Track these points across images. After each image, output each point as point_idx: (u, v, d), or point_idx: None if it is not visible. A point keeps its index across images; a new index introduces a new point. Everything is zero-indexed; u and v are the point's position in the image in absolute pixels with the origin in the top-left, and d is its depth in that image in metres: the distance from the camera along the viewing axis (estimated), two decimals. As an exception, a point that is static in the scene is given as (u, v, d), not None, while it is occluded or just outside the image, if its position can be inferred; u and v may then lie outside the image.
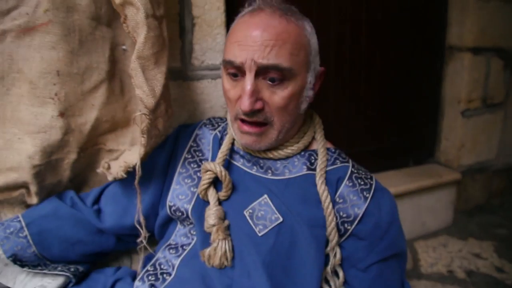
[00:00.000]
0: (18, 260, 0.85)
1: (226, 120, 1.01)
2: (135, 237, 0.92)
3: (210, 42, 1.16)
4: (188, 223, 0.90)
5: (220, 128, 0.97)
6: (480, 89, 1.95)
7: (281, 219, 0.82)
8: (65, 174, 0.91)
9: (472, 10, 1.82)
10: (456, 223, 2.01)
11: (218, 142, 0.94)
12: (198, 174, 0.91)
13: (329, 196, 0.82)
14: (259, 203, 0.84)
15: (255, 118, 0.80)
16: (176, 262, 0.86)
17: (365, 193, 0.85)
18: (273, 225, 0.82)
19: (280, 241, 0.81)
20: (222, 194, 0.85)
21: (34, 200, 0.87)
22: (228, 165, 0.91)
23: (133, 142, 0.98)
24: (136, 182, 0.84)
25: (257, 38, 0.75)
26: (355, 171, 0.88)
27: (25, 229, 0.85)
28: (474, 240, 1.90)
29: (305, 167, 0.88)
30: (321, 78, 0.89)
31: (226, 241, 0.79)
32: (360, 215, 0.83)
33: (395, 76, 1.84)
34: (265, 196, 0.84)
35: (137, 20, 0.81)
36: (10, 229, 0.85)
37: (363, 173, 0.89)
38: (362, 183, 0.86)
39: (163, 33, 0.88)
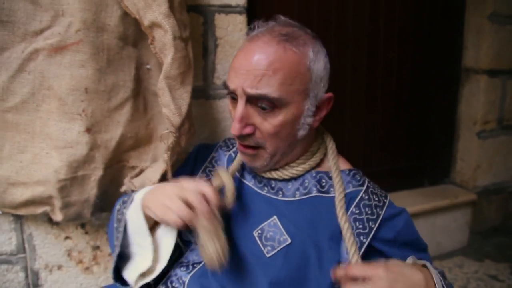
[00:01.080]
0: None
1: None
2: None
3: (232, 62, 1.15)
4: (197, 246, 0.87)
5: (234, 149, 0.95)
6: (496, 110, 1.90)
7: (289, 241, 0.79)
8: (92, 192, 0.90)
9: (488, 33, 1.79)
10: (471, 244, 1.92)
11: (232, 162, 0.91)
12: None
13: (350, 228, 0.78)
14: (268, 224, 0.81)
15: (246, 142, 0.78)
16: (186, 279, 0.83)
17: (371, 223, 0.81)
18: (281, 247, 0.79)
19: (288, 262, 0.78)
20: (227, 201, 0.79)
21: (58, 216, 0.86)
22: (240, 184, 0.88)
23: (154, 159, 0.97)
24: None
25: (249, 67, 0.73)
26: (366, 197, 0.83)
27: None
28: (490, 261, 1.81)
29: (315, 189, 0.84)
30: (328, 104, 0.83)
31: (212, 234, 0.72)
32: (365, 245, 0.79)
33: (411, 97, 1.81)
34: (275, 217, 0.82)
35: (164, 42, 0.81)
36: None
37: (375, 199, 0.85)
38: (370, 212, 0.82)
39: (188, 54, 0.88)
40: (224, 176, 0.78)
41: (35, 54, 0.86)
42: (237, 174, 0.89)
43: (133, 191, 0.88)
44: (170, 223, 0.70)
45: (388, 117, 1.78)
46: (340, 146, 0.93)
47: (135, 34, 0.92)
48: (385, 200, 0.84)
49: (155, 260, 0.79)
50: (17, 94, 0.87)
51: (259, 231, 0.81)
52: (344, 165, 0.90)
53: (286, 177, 0.84)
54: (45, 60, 0.85)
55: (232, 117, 0.80)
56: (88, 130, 0.86)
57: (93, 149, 0.87)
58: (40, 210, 0.87)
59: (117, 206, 0.84)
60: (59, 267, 1.11)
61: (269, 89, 0.72)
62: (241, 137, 0.77)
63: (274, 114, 0.75)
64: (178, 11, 0.88)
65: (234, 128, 0.75)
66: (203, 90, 1.15)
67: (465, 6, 1.83)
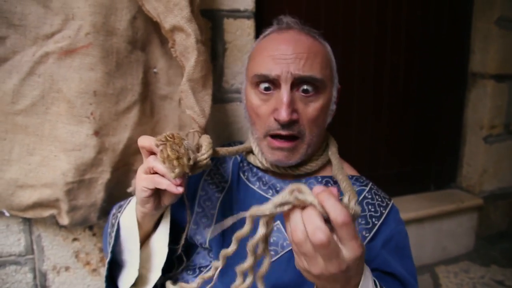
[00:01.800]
0: None
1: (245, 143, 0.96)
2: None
3: (240, 67, 1.14)
4: (204, 247, 0.85)
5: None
6: (502, 115, 1.86)
7: None
8: (99, 196, 0.89)
9: (495, 38, 1.76)
10: (477, 249, 1.88)
11: (238, 165, 0.89)
12: (217, 195, 0.86)
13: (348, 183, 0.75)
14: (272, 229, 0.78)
15: (290, 131, 0.74)
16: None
17: (374, 219, 0.78)
18: (284, 251, 0.77)
19: (291, 267, 0.74)
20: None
21: (65, 220, 0.84)
22: (245, 187, 0.86)
23: None
24: (185, 199, 0.77)
25: (292, 51, 0.74)
26: (369, 196, 0.81)
27: None
28: (496, 267, 1.77)
29: None
30: (338, 96, 0.85)
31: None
32: (367, 240, 0.76)
33: (418, 101, 1.77)
34: (278, 222, 0.79)
35: (186, 45, 0.81)
36: None
37: (378, 200, 0.82)
38: (373, 210, 0.79)
39: (208, 58, 0.87)
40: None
41: (46, 58, 0.85)
42: (242, 177, 0.86)
43: None
44: (144, 195, 0.66)
45: (395, 121, 1.75)
46: (347, 150, 0.91)
47: (143, 38, 0.91)
48: (389, 202, 0.81)
49: (149, 269, 0.75)
50: (27, 97, 0.86)
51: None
52: (348, 170, 0.88)
53: (301, 172, 0.82)
54: (55, 63, 0.84)
55: (255, 114, 0.77)
56: (96, 133, 0.85)
57: (101, 152, 0.86)
58: (47, 213, 0.85)
59: (113, 211, 0.81)
60: (67, 269, 1.09)
61: (314, 71, 0.73)
62: (287, 124, 0.73)
63: (316, 98, 0.75)
64: (197, 15, 0.88)
65: (282, 115, 0.71)
66: (212, 94, 1.13)
67: (472, 10, 1.80)
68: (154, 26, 0.87)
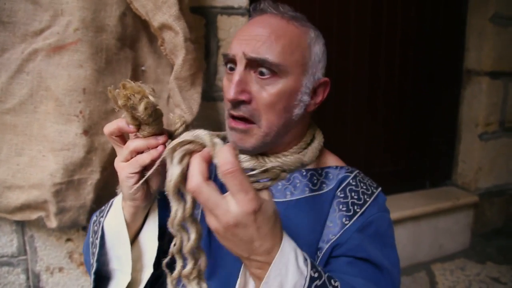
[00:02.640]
0: None
1: (223, 134, 0.93)
2: None
3: (234, 63, 1.11)
4: None
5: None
6: (497, 112, 1.84)
7: None
8: (88, 197, 0.85)
9: (490, 35, 1.74)
10: (473, 246, 1.86)
11: None
12: None
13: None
14: None
15: (241, 113, 0.71)
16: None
17: (356, 207, 0.74)
18: None
19: None
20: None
21: (53, 223, 0.81)
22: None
23: None
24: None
25: (251, 33, 0.71)
26: (353, 182, 0.77)
27: None
28: (492, 264, 1.75)
29: (307, 189, 0.77)
30: (325, 90, 0.80)
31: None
32: (345, 228, 0.72)
33: (413, 99, 1.75)
34: None
35: (175, 43, 0.79)
36: None
37: (363, 187, 0.78)
38: (356, 197, 0.75)
39: (198, 56, 0.85)
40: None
41: (34, 55, 0.82)
42: None
43: None
44: (131, 182, 0.61)
45: (390, 119, 1.72)
46: (342, 148, 0.88)
47: (132, 36, 0.89)
48: (375, 191, 0.77)
49: (140, 269, 0.71)
50: (16, 95, 0.83)
51: None
52: (336, 162, 0.84)
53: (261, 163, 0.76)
54: (43, 61, 0.81)
55: (224, 95, 0.74)
56: (86, 132, 0.82)
57: (90, 152, 0.83)
58: (35, 215, 0.82)
59: (94, 218, 0.75)
60: (60, 269, 1.07)
61: (270, 54, 0.69)
62: (236, 104, 0.70)
63: (273, 82, 0.70)
64: (186, 13, 0.85)
65: (229, 93, 0.68)
66: (205, 92, 1.10)
67: (467, 8, 1.78)
68: (142, 23, 0.85)
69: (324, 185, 0.78)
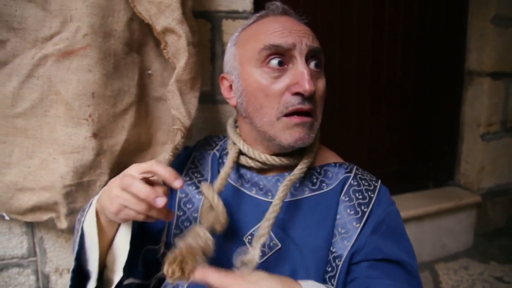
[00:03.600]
0: None
1: (223, 138, 0.90)
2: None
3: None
4: None
5: (218, 147, 0.87)
6: (499, 113, 1.83)
7: (279, 246, 0.72)
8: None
9: (491, 36, 1.73)
10: (476, 246, 1.85)
11: (217, 161, 0.83)
12: (197, 196, 0.80)
13: (279, 204, 0.69)
14: (257, 229, 0.73)
15: (311, 105, 0.69)
16: (184, 286, 0.77)
17: (363, 207, 0.73)
18: (272, 252, 0.73)
19: (280, 266, 0.72)
20: (216, 226, 0.70)
21: (63, 224, 0.82)
22: (227, 185, 0.78)
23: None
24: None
25: (299, 27, 0.72)
26: (355, 182, 0.76)
27: None
28: (495, 263, 1.74)
29: (307, 189, 0.76)
30: None
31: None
32: (358, 231, 0.71)
33: (415, 100, 1.75)
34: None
35: (178, 47, 0.79)
36: None
37: (365, 184, 0.77)
38: (361, 196, 0.75)
39: (199, 60, 0.85)
40: (210, 195, 0.67)
41: (44, 60, 0.83)
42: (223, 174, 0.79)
43: None
44: (129, 219, 0.61)
45: (393, 120, 1.72)
46: (346, 149, 0.88)
47: (139, 40, 0.89)
48: (376, 184, 0.77)
49: (114, 271, 0.69)
50: (27, 99, 0.84)
51: (249, 237, 0.74)
52: (333, 158, 0.83)
53: (291, 163, 0.76)
54: (53, 66, 0.82)
55: (265, 95, 0.69)
56: (95, 135, 0.83)
57: (99, 155, 0.83)
58: (46, 216, 0.83)
59: (78, 215, 0.73)
60: (69, 271, 1.07)
61: (319, 46, 0.72)
62: (309, 98, 0.69)
63: (322, 74, 0.74)
64: (189, 17, 0.85)
65: (306, 86, 0.66)
66: (211, 95, 1.11)
67: (468, 9, 1.77)
68: (149, 28, 0.86)
69: (323, 184, 0.77)
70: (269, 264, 0.72)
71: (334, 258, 0.71)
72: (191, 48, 0.80)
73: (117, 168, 0.88)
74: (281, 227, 0.74)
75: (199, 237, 0.61)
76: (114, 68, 0.84)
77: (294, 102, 0.68)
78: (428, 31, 1.71)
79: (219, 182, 0.72)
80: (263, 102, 0.70)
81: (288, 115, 0.69)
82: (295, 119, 0.69)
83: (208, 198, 0.69)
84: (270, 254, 0.73)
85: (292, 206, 0.75)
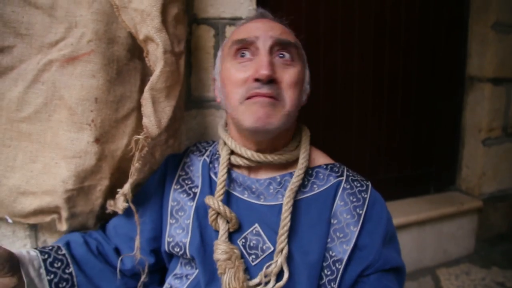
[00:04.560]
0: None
1: (212, 143, 0.91)
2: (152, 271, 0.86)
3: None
4: (187, 259, 0.80)
5: (208, 153, 0.87)
6: (500, 118, 1.82)
7: (272, 249, 0.73)
8: (97, 202, 0.86)
9: (492, 42, 1.72)
10: (478, 251, 1.83)
11: (208, 167, 0.84)
12: (189, 203, 0.81)
13: (289, 217, 0.72)
14: (251, 232, 0.75)
15: (270, 90, 0.71)
16: None
17: (358, 210, 0.75)
18: (264, 255, 0.73)
19: None
20: (231, 226, 0.76)
21: (64, 226, 0.81)
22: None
23: (151, 170, 0.92)
24: (131, 205, 0.78)
25: (265, 24, 0.76)
26: (347, 186, 0.77)
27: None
28: (497, 268, 1.72)
29: (298, 191, 0.77)
30: (307, 98, 0.84)
31: (234, 270, 0.70)
32: (356, 234, 0.73)
33: (417, 105, 1.74)
34: (256, 225, 0.75)
35: (156, 55, 0.79)
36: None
37: (358, 185, 0.78)
38: (355, 199, 0.76)
39: (179, 68, 0.84)
40: (216, 205, 0.73)
41: (49, 65, 0.83)
42: (214, 179, 0.81)
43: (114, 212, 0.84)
44: None
45: (394, 125, 1.71)
46: (347, 154, 0.87)
47: (140, 47, 0.89)
48: (367, 183, 0.80)
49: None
50: (31, 104, 0.84)
51: (243, 240, 0.75)
52: (323, 159, 0.83)
53: (282, 161, 0.78)
54: (57, 71, 0.82)
55: (231, 82, 0.74)
56: (97, 140, 0.82)
57: (101, 160, 0.83)
58: (48, 218, 0.83)
59: None
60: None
61: (290, 38, 0.75)
62: (268, 82, 0.70)
63: (293, 64, 0.75)
64: (172, 25, 0.84)
65: (263, 71, 0.69)
66: (214, 100, 1.11)
67: (468, 15, 1.76)
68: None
69: (315, 186, 0.78)
70: (262, 265, 0.72)
71: (334, 262, 0.72)
72: (168, 57, 0.78)
73: (117, 173, 0.88)
74: (273, 229, 0.74)
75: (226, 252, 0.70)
76: (117, 74, 0.84)
77: (254, 86, 0.72)
78: (430, 36, 1.70)
79: (219, 189, 0.76)
80: (231, 90, 0.76)
81: (249, 97, 0.73)
82: (254, 98, 0.72)
83: (214, 208, 0.74)
84: (262, 256, 0.73)
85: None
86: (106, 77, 0.82)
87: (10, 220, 0.83)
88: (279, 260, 0.70)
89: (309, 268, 0.71)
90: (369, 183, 0.80)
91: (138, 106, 0.88)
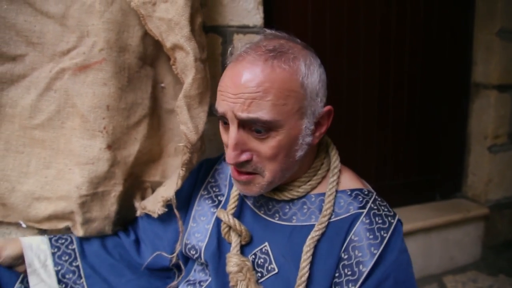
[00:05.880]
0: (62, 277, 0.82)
1: None
2: (172, 276, 0.88)
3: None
4: (201, 262, 0.81)
5: None
6: (506, 125, 1.81)
7: (276, 271, 0.72)
8: (112, 208, 0.87)
9: (497, 49, 1.72)
10: (484, 259, 1.81)
11: None
12: (212, 210, 0.82)
13: (308, 266, 0.68)
14: (260, 250, 0.75)
15: (244, 169, 0.68)
16: None
17: (372, 249, 0.66)
18: (269, 275, 0.72)
19: None
20: (242, 239, 0.76)
21: (80, 232, 0.83)
22: (240, 201, 0.80)
23: (163, 174, 0.94)
24: (176, 212, 0.81)
25: (237, 90, 0.63)
26: (367, 220, 0.69)
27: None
28: (504, 276, 1.70)
29: (313, 217, 0.73)
30: (329, 117, 0.73)
31: (246, 282, 0.70)
32: (364, 275, 0.66)
33: (422, 112, 1.74)
34: (266, 243, 0.74)
35: (186, 63, 0.80)
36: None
37: (379, 222, 0.69)
38: (372, 236, 0.67)
39: (206, 75, 0.86)
40: (226, 218, 0.74)
41: (61, 73, 0.85)
42: (233, 195, 0.80)
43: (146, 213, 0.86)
44: None
45: (400, 132, 1.71)
46: (353, 161, 0.85)
47: (152, 54, 0.91)
48: (392, 221, 0.69)
49: None
50: (44, 111, 0.86)
51: (253, 256, 0.75)
52: (350, 182, 0.76)
53: (286, 198, 0.75)
54: (70, 79, 0.84)
55: (225, 143, 0.71)
56: (109, 147, 0.84)
57: (114, 166, 0.84)
58: (62, 225, 0.84)
59: None
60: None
61: (260, 112, 0.62)
62: (238, 165, 0.67)
63: (271, 136, 0.65)
64: (198, 34, 0.86)
65: (229, 157, 0.65)
66: (207, 111, 1.12)
67: (473, 23, 1.77)
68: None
69: (332, 214, 0.72)
70: (265, 285, 0.72)
71: (332, 278, 0.68)
72: (199, 64, 0.81)
73: (129, 179, 0.89)
74: (282, 253, 0.73)
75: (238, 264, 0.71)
76: (128, 82, 0.86)
77: (231, 161, 0.67)
78: (434, 44, 1.71)
79: (231, 202, 0.77)
80: (224, 145, 0.73)
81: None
82: (233, 173, 0.71)
83: (225, 222, 0.74)
84: (266, 276, 0.73)
85: (296, 232, 0.73)
86: (117, 85, 0.84)
87: (24, 225, 0.84)
88: None
89: None
90: (395, 221, 0.70)
91: (150, 113, 0.90)
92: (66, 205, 0.81)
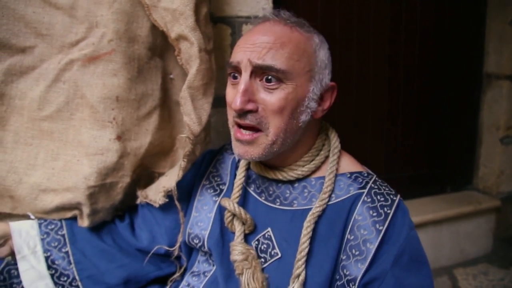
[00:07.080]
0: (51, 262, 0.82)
1: None
2: (166, 261, 0.88)
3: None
4: (204, 252, 0.81)
5: None
6: (519, 116, 1.77)
7: (279, 255, 0.72)
8: (117, 198, 0.86)
9: (510, 39, 1.68)
10: (496, 251, 1.78)
11: (235, 166, 0.84)
12: (214, 198, 0.82)
13: (308, 241, 0.69)
14: (263, 235, 0.75)
15: (247, 121, 0.67)
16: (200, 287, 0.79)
17: (378, 225, 0.67)
18: (272, 260, 0.72)
19: (278, 277, 0.71)
20: (246, 228, 0.76)
21: (85, 222, 0.82)
22: (243, 190, 0.80)
23: (172, 166, 0.93)
24: (176, 203, 0.81)
25: (256, 41, 0.68)
26: (368, 199, 0.70)
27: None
28: (516, 269, 1.67)
29: (314, 200, 0.73)
30: (332, 94, 0.75)
31: (252, 270, 0.69)
32: (372, 252, 0.65)
33: (433, 103, 1.70)
34: (269, 229, 0.74)
35: (190, 54, 0.79)
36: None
37: (381, 199, 0.70)
38: (375, 213, 0.68)
39: (212, 66, 0.84)
40: (231, 206, 0.74)
41: (70, 65, 0.84)
42: (237, 184, 0.80)
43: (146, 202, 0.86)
44: None
45: (410, 124, 1.68)
46: (363, 153, 0.84)
47: (162, 45, 0.89)
48: (394, 198, 0.70)
49: None
50: (53, 103, 0.84)
51: (256, 242, 0.75)
52: (350, 166, 0.77)
53: (291, 178, 0.74)
54: (79, 70, 0.83)
55: (229, 103, 0.71)
56: (119, 137, 0.82)
57: (123, 157, 0.83)
58: (70, 214, 0.84)
59: None
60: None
61: (276, 61, 0.66)
62: (243, 114, 0.67)
63: (280, 88, 0.67)
64: (203, 24, 0.85)
65: (235, 103, 0.65)
66: (212, 102, 1.10)
67: (486, 12, 1.72)
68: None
69: (332, 195, 0.72)
70: (268, 272, 0.72)
71: (348, 281, 0.66)
72: (203, 55, 0.79)
73: (138, 170, 0.88)
74: (284, 237, 0.72)
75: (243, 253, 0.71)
76: (138, 73, 0.85)
77: (234, 115, 0.69)
78: (446, 34, 1.66)
79: (235, 191, 0.77)
80: (227, 109, 0.74)
81: (236, 124, 0.71)
82: (236, 133, 0.71)
83: (230, 210, 0.74)
84: (270, 261, 0.72)
85: (298, 216, 0.73)
86: (127, 76, 0.83)
87: (32, 217, 0.84)
88: (296, 286, 0.67)
89: (318, 280, 0.68)
90: (397, 198, 0.71)
91: (161, 104, 0.88)
92: (73, 196, 0.80)
